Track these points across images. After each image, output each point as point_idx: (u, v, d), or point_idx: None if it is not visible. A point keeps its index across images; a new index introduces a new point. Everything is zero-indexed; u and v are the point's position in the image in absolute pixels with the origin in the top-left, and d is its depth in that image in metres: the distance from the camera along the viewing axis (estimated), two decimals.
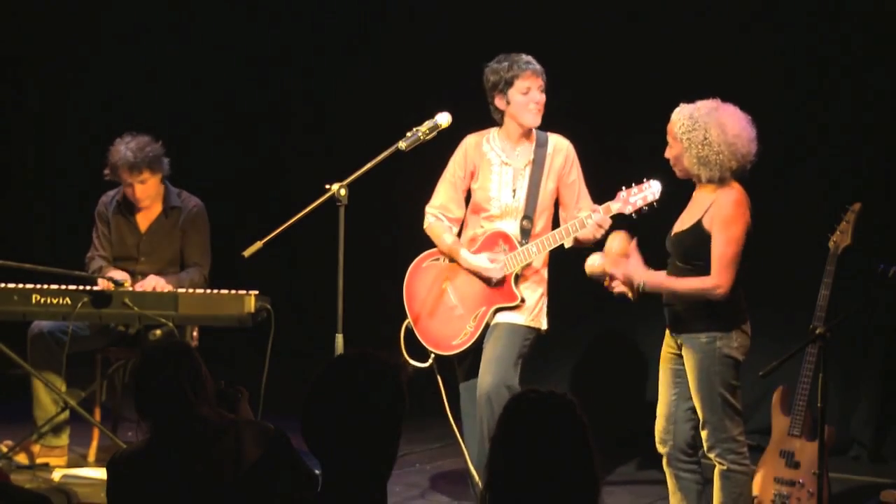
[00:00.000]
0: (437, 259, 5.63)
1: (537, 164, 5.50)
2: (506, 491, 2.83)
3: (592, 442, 2.85)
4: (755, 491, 5.57)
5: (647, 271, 4.93)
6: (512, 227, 5.49)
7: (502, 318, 5.48)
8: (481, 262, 5.48)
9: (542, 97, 5.45)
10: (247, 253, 5.10)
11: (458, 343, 5.52)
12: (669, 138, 4.92)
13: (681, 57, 7.03)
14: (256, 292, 5.90)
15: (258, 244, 5.10)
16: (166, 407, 3.64)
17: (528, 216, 5.48)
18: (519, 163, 5.52)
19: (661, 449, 5.06)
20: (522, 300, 5.47)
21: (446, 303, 5.57)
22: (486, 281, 5.48)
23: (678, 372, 4.97)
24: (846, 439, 6.81)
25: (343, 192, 5.03)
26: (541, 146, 5.52)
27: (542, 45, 6.77)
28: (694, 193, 4.99)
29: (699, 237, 4.84)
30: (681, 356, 4.96)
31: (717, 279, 4.79)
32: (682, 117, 4.85)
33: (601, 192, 5.47)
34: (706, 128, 4.77)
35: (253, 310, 5.87)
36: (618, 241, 5.02)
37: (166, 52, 8.27)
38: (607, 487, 6.00)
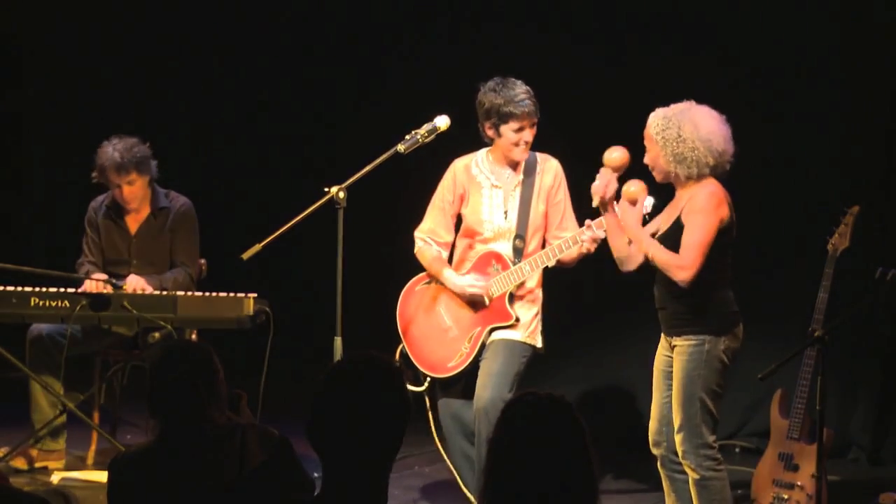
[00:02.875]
0: (429, 282, 5.60)
1: (527, 185, 5.49)
2: (504, 494, 2.82)
3: (591, 444, 2.85)
4: (754, 493, 5.57)
5: (639, 225, 4.92)
6: (505, 248, 5.48)
7: (498, 335, 5.45)
8: (465, 281, 5.45)
9: (532, 134, 5.44)
10: (245, 256, 5.10)
11: (454, 365, 5.47)
12: (647, 142, 4.94)
13: (678, 59, 7.02)
14: (255, 295, 5.90)
15: (257, 247, 5.10)
16: (178, 405, 3.63)
17: (521, 235, 5.46)
18: (509, 184, 5.50)
19: (654, 451, 5.06)
20: (517, 319, 5.45)
21: (440, 325, 5.54)
22: (473, 304, 5.46)
23: (671, 374, 4.97)
24: (845, 442, 6.81)
25: (342, 194, 5.03)
26: (530, 167, 5.51)
27: (539, 56, 6.80)
28: (675, 196, 5.01)
29: (677, 234, 4.84)
30: (672, 359, 4.96)
31: (682, 261, 4.78)
32: (657, 118, 4.89)
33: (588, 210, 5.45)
34: (679, 125, 4.81)
35: (252, 312, 5.86)
36: (634, 186, 4.96)
37: (167, 54, 8.26)
38: (605, 490, 6.00)
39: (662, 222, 5.00)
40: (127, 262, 6.32)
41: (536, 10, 7.45)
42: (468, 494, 5.47)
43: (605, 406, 7.14)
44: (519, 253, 5.46)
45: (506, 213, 5.49)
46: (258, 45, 8.18)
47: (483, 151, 5.57)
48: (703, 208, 4.80)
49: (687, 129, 4.80)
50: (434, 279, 5.58)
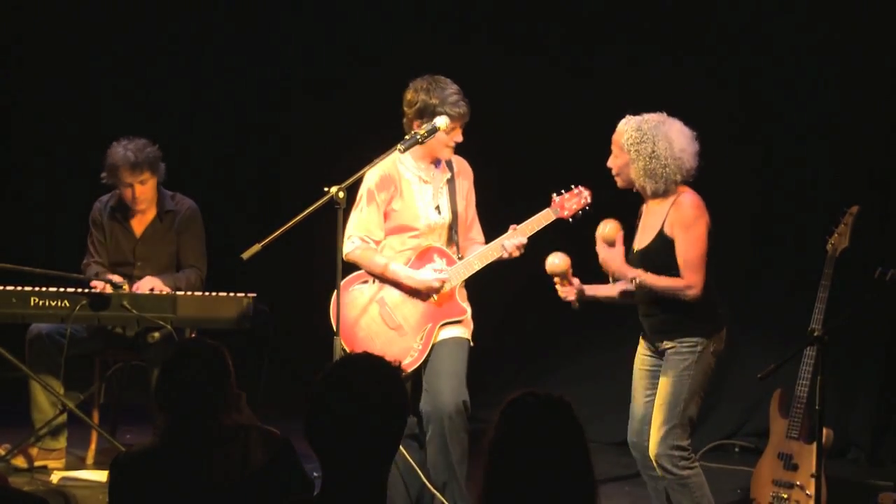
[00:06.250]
0: (366, 282, 5.43)
1: (452, 182, 5.46)
2: (503, 493, 2.83)
3: (589, 444, 2.86)
4: (753, 493, 5.57)
5: (623, 264, 4.96)
6: (440, 243, 5.44)
7: (448, 333, 5.37)
8: (426, 275, 5.35)
9: (461, 136, 5.38)
10: (245, 255, 5.09)
11: (409, 363, 5.31)
12: (615, 148, 4.95)
13: (678, 58, 7.03)
14: (254, 294, 5.90)
15: (256, 246, 5.08)
16: (188, 404, 3.63)
17: (455, 230, 5.44)
18: (437, 181, 5.44)
19: (634, 452, 5.06)
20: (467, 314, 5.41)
21: (388, 324, 5.38)
22: (420, 300, 5.35)
23: (653, 374, 4.99)
24: (844, 442, 6.81)
25: (341, 194, 5.02)
26: (450, 165, 5.47)
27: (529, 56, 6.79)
28: (644, 207, 5.03)
29: (665, 247, 4.87)
30: (655, 359, 4.99)
31: (687, 280, 4.82)
32: (630, 129, 4.88)
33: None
34: (654, 141, 4.82)
35: (252, 312, 5.87)
36: (609, 227, 5.02)
37: (167, 56, 8.27)
38: (604, 490, 6.00)
39: (641, 237, 5.00)
40: (131, 263, 6.31)
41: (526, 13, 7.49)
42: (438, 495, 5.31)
43: (603, 404, 7.13)
44: (456, 248, 5.44)
45: (437, 208, 5.43)
46: (258, 45, 8.18)
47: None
48: (691, 222, 4.84)
49: (661, 145, 4.82)
50: (377, 278, 5.39)
